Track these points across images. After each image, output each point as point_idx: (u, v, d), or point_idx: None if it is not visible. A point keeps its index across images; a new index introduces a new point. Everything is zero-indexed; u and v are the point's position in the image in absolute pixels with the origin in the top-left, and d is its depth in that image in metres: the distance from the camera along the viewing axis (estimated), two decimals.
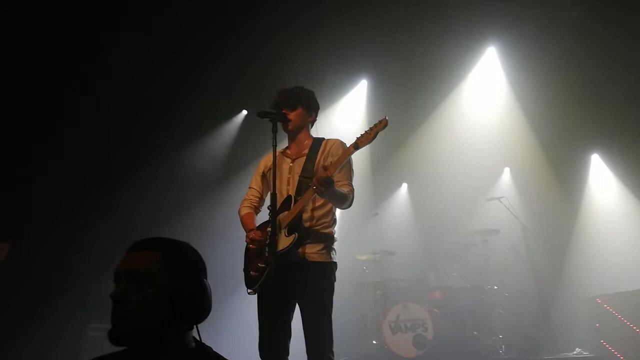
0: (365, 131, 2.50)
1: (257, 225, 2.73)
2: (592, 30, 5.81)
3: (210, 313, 1.39)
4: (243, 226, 2.76)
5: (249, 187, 2.90)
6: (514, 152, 6.53)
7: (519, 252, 5.69)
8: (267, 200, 2.84)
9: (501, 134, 6.48)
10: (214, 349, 1.40)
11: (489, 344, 4.99)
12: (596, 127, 6.14)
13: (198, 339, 1.40)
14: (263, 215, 2.82)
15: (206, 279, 1.40)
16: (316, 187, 2.41)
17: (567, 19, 5.85)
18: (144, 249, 1.35)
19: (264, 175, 2.86)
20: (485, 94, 6.70)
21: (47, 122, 5.33)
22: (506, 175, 6.79)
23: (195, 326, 1.37)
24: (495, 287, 5.37)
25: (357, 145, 2.50)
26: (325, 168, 2.47)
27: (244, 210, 2.81)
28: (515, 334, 5.21)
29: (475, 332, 5.06)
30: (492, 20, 6.03)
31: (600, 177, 6.50)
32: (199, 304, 1.34)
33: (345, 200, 2.62)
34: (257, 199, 2.87)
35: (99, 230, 5.46)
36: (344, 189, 2.62)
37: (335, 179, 2.50)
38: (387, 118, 2.47)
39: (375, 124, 2.49)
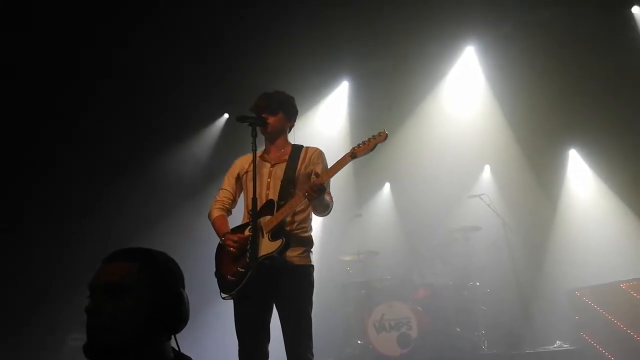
0: (363, 141, 2.53)
1: (231, 228, 2.71)
2: (568, 28, 5.95)
3: (191, 321, 1.39)
4: (216, 229, 2.72)
5: (221, 189, 2.86)
6: (493, 150, 6.62)
7: (499, 248, 5.77)
8: (240, 203, 2.84)
9: (481, 132, 6.56)
10: (193, 359, 1.39)
11: (472, 340, 5.06)
12: (573, 123, 6.26)
13: (177, 349, 1.39)
14: (233, 218, 2.81)
15: (183, 288, 1.40)
16: (308, 194, 2.44)
17: (542, 17, 5.98)
18: (119, 260, 1.34)
19: (238, 178, 2.84)
20: (464, 93, 6.78)
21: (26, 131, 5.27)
22: (486, 172, 6.88)
23: (173, 336, 1.37)
24: (478, 284, 5.45)
25: (354, 155, 2.52)
26: (317, 175, 2.49)
27: (216, 212, 2.78)
28: (497, 329, 5.29)
29: (458, 329, 5.13)
30: (470, 20, 6.12)
31: (578, 172, 6.62)
32: (176, 315, 1.34)
33: (327, 208, 2.68)
34: (230, 201, 2.84)
35: (80, 237, 5.40)
36: (327, 197, 2.65)
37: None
38: (386, 132, 2.51)
39: (374, 136, 2.52)
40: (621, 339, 4.43)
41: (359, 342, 5.28)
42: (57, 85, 5.38)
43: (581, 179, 6.57)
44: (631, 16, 5.94)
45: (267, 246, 2.52)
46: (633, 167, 5.87)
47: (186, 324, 1.37)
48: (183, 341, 1.41)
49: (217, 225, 2.73)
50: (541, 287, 5.77)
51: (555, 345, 5.04)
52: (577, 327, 4.84)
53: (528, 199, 6.37)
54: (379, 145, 2.53)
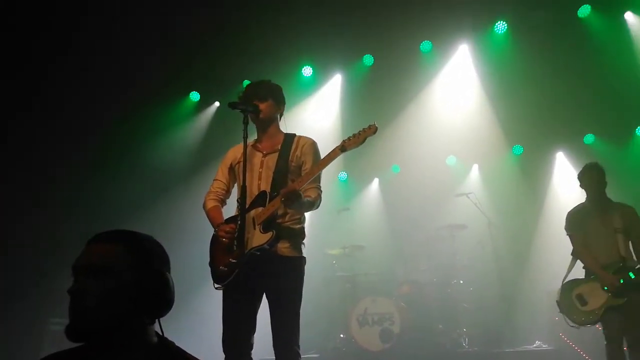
0: (354, 134, 2.52)
1: (225, 218, 2.69)
2: (561, 30, 6.00)
3: (175, 308, 1.37)
4: (210, 219, 2.70)
5: (215, 180, 2.84)
6: (482, 149, 6.66)
7: (484, 247, 5.82)
8: (234, 193, 2.82)
9: (471, 131, 6.59)
10: (177, 344, 1.37)
11: (453, 337, 5.11)
12: (562, 126, 6.34)
13: (160, 333, 1.38)
14: (227, 209, 2.78)
15: (169, 272, 1.38)
16: (284, 200, 2.43)
17: (535, 19, 6.03)
18: (103, 242, 1.32)
19: (231, 168, 2.81)
20: (457, 92, 6.79)
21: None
22: (474, 171, 6.93)
23: (157, 320, 1.35)
24: (461, 282, 5.49)
25: (343, 148, 2.51)
26: (292, 180, 2.51)
27: (211, 203, 2.75)
28: (478, 327, 5.36)
29: (440, 326, 5.17)
30: (465, 18, 6.14)
31: (564, 175, 6.69)
32: (160, 297, 1.32)
33: (312, 206, 2.65)
34: (224, 192, 2.81)
35: (63, 223, 5.32)
36: (312, 195, 2.63)
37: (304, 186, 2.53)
38: (376, 124, 2.49)
39: (364, 129, 2.51)
40: (599, 340, 4.50)
41: (342, 335, 5.30)
42: (33, 71, 5.29)
43: (567, 181, 6.64)
44: (624, 21, 6.01)
45: (258, 238, 2.50)
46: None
47: (170, 308, 1.35)
48: (166, 327, 1.39)
49: (212, 216, 2.70)
50: (523, 286, 5.84)
51: (534, 345, 5.11)
52: (556, 328, 4.91)
53: (514, 199, 6.44)
54: (368, 138, 2.51)
